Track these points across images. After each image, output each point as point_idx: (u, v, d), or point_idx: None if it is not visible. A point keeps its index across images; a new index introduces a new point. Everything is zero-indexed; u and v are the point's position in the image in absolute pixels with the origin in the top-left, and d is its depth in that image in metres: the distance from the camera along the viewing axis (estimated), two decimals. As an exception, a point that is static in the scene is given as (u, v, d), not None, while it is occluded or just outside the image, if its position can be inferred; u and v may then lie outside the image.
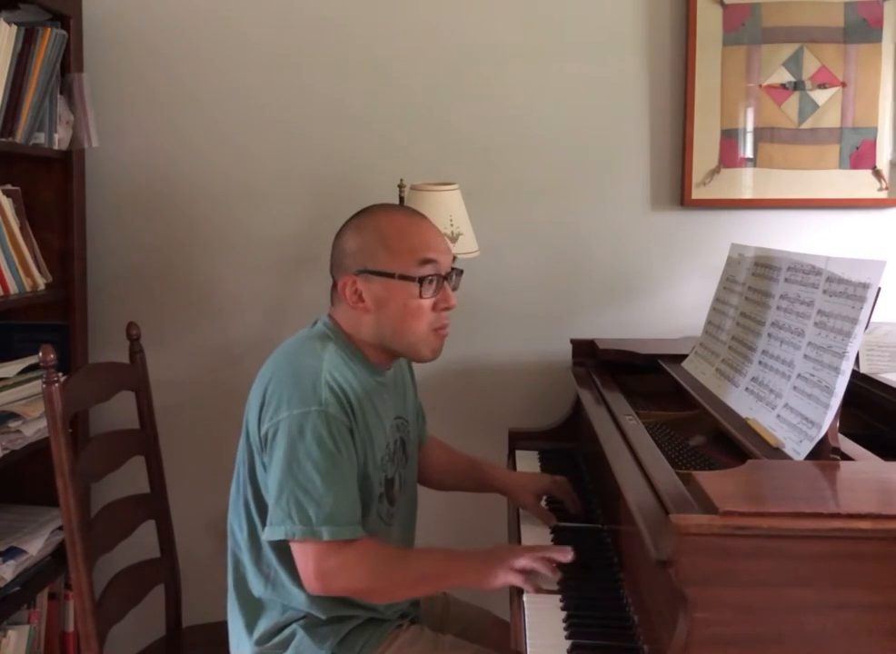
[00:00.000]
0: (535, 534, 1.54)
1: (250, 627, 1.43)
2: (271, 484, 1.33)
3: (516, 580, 1.29)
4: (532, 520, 1.59)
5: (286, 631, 1.41)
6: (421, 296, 1.39)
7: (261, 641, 1.42)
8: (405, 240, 1.40)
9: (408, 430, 1.56)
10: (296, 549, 1.32)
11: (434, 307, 1.41)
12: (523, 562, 1.30)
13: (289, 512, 1.29)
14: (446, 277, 1.43)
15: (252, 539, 1.42)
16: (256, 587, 1.42)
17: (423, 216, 1.49)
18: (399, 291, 1.39)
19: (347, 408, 1.35)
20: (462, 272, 1.48)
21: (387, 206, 1.51)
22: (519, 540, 1.53)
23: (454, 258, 1.47)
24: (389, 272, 1.39)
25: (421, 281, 1.38)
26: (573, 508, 1.62)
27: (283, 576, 1.39)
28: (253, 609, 1.43)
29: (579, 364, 2.06)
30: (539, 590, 1.28)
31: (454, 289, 1.46)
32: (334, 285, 1.46)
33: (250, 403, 1.41)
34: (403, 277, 1.38)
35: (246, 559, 1.43)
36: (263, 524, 1.38)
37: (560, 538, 1.52)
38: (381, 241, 1.40)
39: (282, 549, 1.37)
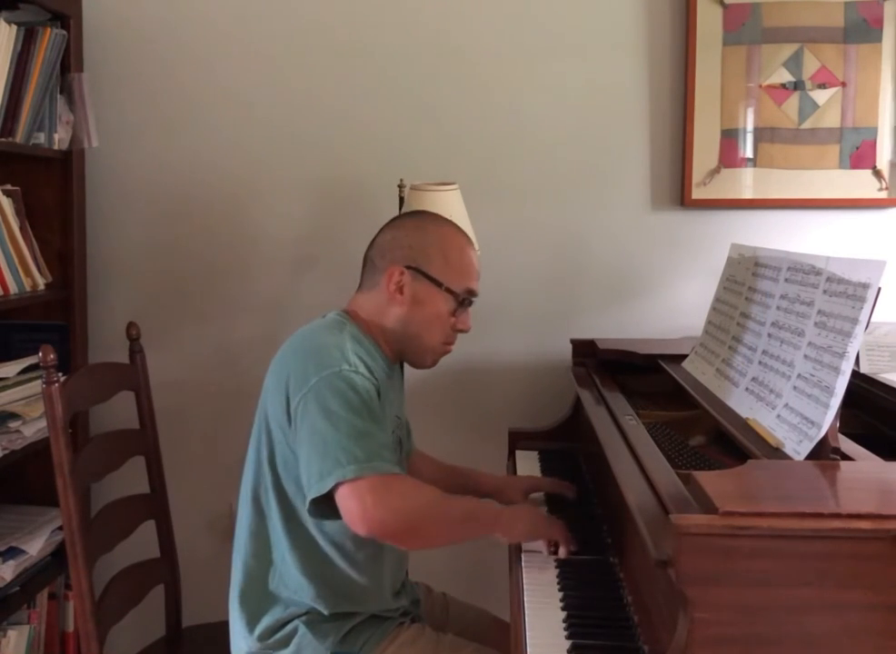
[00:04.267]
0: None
1: (252, 623, 1.43)
2: (312, 444, 1.29)
3: (543, 542, 1.39)
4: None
5: (288, 627, 1.41)
6: (454, 314, 1.48)
7: (262, 637, 1.42)
8: (462, 261, 1.50)
9: (403, 431, 1.58)
10: (348, 491, 1.25)
11: (453, 326, 1.48)
12: (557, 534, 1.39)
13: (337, 459, 1.26)
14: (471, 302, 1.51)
15: (262, 528, 1.43)
16: (262, 579, 1.42)
17: (472, 243, 1.57)
18: (438, 300, 1.47)
19: (374, 377, 1.38)
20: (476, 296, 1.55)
21: (446, 220, 1.56)
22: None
23: None
24: (439, 280, 1.46)
25: (461, 301, 1.48)
26: (571, 494, 1.64)
27: (292, 564, 1.40)
28: (255, 605, 1.43)
29: (579, 364, 2.06)
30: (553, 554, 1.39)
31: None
32: (369, 268, 1.50)
33: (268, 388, 1.42)
34: (449, 291, 1.47)
35: (254, 550, 1.43)
36: (282, 511, 1.39)
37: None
38: (442, 250, 1.48)
39: (292, 533, 1.39)
